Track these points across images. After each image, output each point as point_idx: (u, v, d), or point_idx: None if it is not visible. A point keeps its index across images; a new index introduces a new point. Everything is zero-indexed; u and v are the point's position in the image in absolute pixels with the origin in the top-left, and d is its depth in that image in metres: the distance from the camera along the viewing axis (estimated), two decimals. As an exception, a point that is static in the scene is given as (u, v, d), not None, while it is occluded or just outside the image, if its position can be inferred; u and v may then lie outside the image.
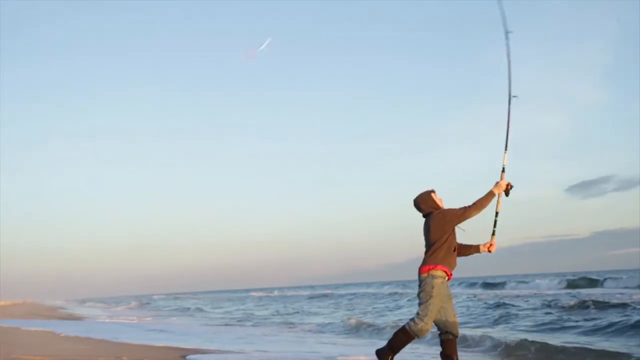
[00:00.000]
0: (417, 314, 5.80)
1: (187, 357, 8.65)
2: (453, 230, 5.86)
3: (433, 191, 6.01)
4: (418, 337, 5.83)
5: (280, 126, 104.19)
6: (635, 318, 12.17)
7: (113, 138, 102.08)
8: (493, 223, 6.01)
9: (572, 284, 36.26)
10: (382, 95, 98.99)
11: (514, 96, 6.13)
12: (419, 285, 5.85)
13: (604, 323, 12.31)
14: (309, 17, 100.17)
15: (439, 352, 5.99)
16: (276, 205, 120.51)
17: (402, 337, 5.85)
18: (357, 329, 14.83)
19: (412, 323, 5.79)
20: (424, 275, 5.79)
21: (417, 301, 5.87)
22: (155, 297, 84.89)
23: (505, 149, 6.06)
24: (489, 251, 6.00)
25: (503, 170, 5.96)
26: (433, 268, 5.77)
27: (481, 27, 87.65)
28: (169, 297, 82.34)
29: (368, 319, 17.22)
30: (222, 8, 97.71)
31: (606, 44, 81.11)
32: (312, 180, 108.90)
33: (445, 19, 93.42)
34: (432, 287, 5.74)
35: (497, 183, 5.88)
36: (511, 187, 5.89)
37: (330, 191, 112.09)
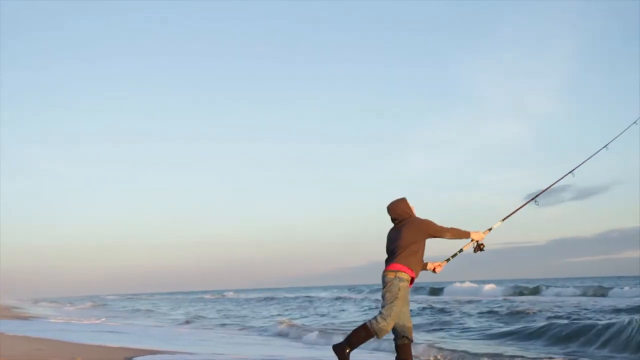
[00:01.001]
0: (381, 313, 5.90)
1: (138, 357, 8.97)
2: (425, 240, 6.08)
3: (406, 198, 6.24)
4: (377, 336, 5.93)
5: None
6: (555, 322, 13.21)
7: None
8: (453, 254, 6.35)
9: (516, 291, 37.68)
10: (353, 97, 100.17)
11: (536, 202, 6.71)
12: (384, 286, 5.96)
13: (532, 328, 13.15)
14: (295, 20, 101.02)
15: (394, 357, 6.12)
16: (231, 208, 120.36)
17: (362, 333, 5.92)
18: (287, 332, 15.65)
19: (374, 321, 5.90)
20: (391, 276, 5.92)
21: (381, 302, 5.98)
22: (110, 297, 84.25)
23: (503, 220, 6.52)
24: (434, 271, 6.29)
25: (489, 230, 6.39)
26: (403, 269, 5.91)
27: (455, 31, 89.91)
28: (124, 298, 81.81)
29: (299, 322, 17.88)
30: (222, 10, 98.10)
31: (566, 55, 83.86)
32: (278, 182, 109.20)
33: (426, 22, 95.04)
34: (399, 289, 5.87)
35: (479, 232, 6.27)
36: (482, 248, 6.28)
37: (294, 194, 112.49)
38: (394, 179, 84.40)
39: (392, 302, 5.88)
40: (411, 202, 6.23)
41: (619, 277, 70.25)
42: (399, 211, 6.17)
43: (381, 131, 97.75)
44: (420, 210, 6.22)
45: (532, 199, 6.74)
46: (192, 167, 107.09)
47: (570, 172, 7.02)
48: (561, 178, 6.98)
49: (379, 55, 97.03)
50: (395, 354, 6.14)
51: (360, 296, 41.08)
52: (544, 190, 6.85)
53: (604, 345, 10.62)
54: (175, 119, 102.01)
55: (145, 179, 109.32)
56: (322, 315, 23.69)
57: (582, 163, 6.99)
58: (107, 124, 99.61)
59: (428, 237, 6.09)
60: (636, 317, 11.02)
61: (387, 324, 5.87)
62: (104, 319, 24.39)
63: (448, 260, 6.35)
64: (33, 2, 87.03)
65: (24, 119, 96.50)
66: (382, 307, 5.94)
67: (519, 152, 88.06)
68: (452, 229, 6.11)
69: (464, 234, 6.18)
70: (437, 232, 6.06)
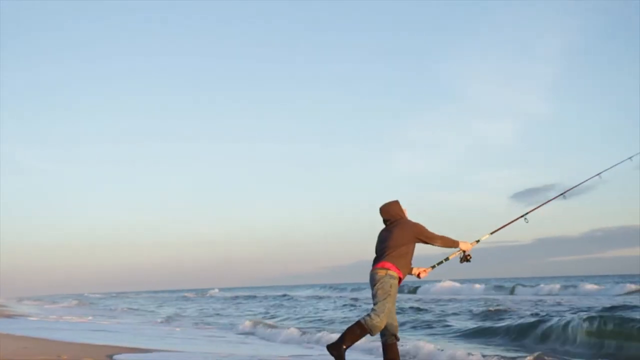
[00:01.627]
0: (374, 310, 5.97)
1: (120, 355, 9.18)
2: (414, 244, 6.17)
3: (398, 201, 6.35)
4: (372, 333, 5.98)
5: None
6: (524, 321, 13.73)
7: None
8: (439, 262, 6.48)
9: (495, 291, 38.37)
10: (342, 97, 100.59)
11: (526, 220, 6.81)
12: (374, 284, 6.02)
13: (496, 325, 13.74)
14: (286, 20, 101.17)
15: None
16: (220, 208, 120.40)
17: (357, 330, 5.97)
18: (253, 330, 16.14)
19: (368, 318, 5.95)
20: (382, 274, 6.00)
21: (373, 299, 6.05)
22: (96, 296, 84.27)
23: (491, 233, 6.65)
24: (418, 276, 6.40)
25: (477, 241, 6.51)
26: (392, 268, 6.00)
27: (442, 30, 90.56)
28: (108, 296, 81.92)
29: (269, 321, 18.15)
30: (221, 10, 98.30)
31: (556, 55, 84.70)
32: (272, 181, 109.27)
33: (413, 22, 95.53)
34: (390, 286, 5.95)
35: (467, 243, 6.35)
36: (469, 259, 6.39)
37: (292, 195, 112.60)
38: (384, 179, 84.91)
39: (384, 298, 5.97)
40: (404, 205, 6.38)
41: (604, 276, 71.11)
42: (391, 212, 6.29)
43: (372, 131, 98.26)
44: (410, 211, 6.41)
45: (522, 215, 6.87)
46: (192, 167, 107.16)
47: (561, 195, 7.27)
48: (553, 198, 7.20)
49: (378, 56, 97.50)
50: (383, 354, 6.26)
51: (338, 294, 41.63)
52: (535, 209, 6.99)
53: (555, 340, 11.40)
54: (175, 119, 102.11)
55: (145, 179, 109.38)
56: (299, 313, 24.07)
57: (575, 187, 7.28)
58: (107, 124, 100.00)
59: (418, 242, 6.18)
60: (579, 315, 11.75)
61: (381, 321, 5.95)
62: (90, 318, 24.61)
63: (433, 267, 6.49)
64: (33, 2, 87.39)
65: (24, 119, 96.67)
66: (375, 304, 6.03)
67: (508, 152, 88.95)
68: (442, 237, 6.23)
69: (454, 243, 6.30)
70: (428, 238, 6.17)
